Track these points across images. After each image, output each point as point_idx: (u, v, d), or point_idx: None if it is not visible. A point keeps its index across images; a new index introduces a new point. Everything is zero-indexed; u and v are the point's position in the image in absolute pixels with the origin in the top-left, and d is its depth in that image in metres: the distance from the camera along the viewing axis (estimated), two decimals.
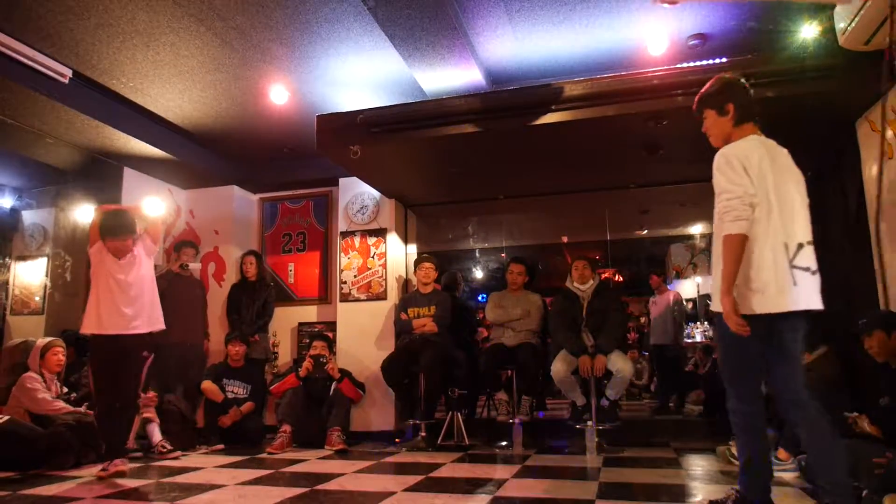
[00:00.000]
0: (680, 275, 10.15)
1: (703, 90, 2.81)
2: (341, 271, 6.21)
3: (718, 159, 2.60)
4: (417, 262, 5.80)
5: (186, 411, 5.47)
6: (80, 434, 4.30)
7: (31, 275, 6.88)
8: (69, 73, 4.58)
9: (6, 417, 4.16)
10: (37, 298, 6.88)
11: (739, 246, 2.45)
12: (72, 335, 5.27)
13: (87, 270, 4.17)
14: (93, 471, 4.08)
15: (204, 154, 6.24)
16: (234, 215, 6.60)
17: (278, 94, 5.07)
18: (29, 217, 7.11)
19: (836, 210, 4.64)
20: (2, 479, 3.81)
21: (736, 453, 3.87)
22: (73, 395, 4.71)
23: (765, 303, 2.43)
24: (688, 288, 10.75)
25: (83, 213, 6.93)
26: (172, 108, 5.41)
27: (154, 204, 6.01)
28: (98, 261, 4.02)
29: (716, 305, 2.55)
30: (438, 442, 5.16)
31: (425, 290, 5.65)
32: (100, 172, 6.05)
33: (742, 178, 2.49)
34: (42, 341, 4.67)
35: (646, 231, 8.86)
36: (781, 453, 3.80)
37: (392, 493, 3.27)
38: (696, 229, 8.86)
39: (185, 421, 5.38)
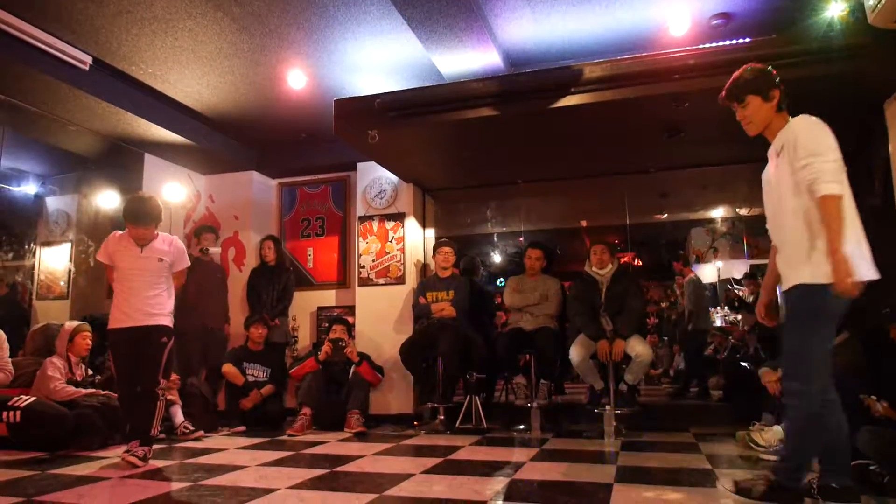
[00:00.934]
0: (700, 259, 10.06)
1: (740, 77, 2.74)
2: (360, 256, 6.23)
3: (807, 123, 2.56)
4: (436, 247, 5.81)
5: (208, 394, 5.56)
6: (106, 416, 4.39)
7: (55, 260, 7.01)
8: (89, 60, 4.62)
9: (33, 398, 4.25)
10: (61, 283, 7.02)
11: (841, 207, 2.39)
12: (95, 319, 5.36)
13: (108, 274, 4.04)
14: (118, 451, 4.17)
15: (223, 140, 6.28)
16: (253, 200, 6.64)
17: (296, 79, 5.07)
18: (52, 203, 7.23)
19: (862, 192, 4.54)
20: (31, 459, 3.91)
21: (756, 439, 3.86)
22: (98, 377, 4.79)
23: (868, 270, 2.41)
24: (708, 272, 10.65)
25: (105, 199, 7.03)
26: (192, 94, 5.44)
27: (174, 190, 6.09)
28: (115, 250, 3.93)
29: (799, 277, 2.48)
30: (456, 425, 5.19)
31: (444, 274, 5.65)
32: (121, 159, 6.12)
33: (835, 143, 2.48)
34: (71, 325, 4.75)
35: (666, 215, 8.77)
36: None
37: (411, 475, 3.30)
38: (717, 213, 8.74)
39: (207, 403, 5.47)
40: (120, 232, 4.00)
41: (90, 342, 4.72)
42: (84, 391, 4.51)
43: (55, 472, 3.50)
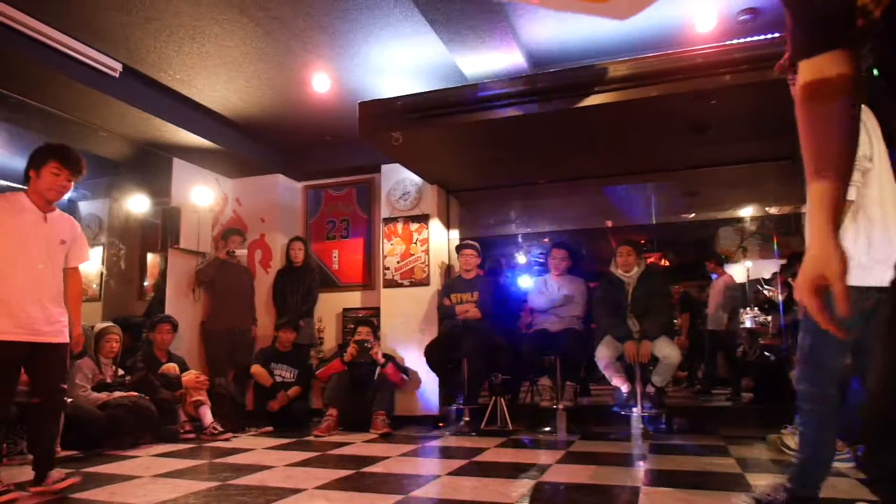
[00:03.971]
0: (728, 259, 9.90)
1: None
2: (384, 257, 6.25)
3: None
4: (459, 248, 5.81)
5: (236, 394, 5.63)
6: (136, 416, 4.48)
7: (88, 263, 7.14)
8: (119, 67, 4.71)
9: (69, 401, 4.33)
10: (94, 286, 7.15)
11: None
12: (127, 321, 5.47)
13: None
14: (149, 451, 4.25)
15: (249, 143, 6.36)
16: (279, 203, 6.71)
17: (320, 83, 5.11)
18: (85, 207, 7.38)
19: None
20: (66, 458, 4.00)
21: (788, 443, 3.79)
22: (128, 378, 4.87)
23: (869, 275, 2.20)
24: (737, 272, 10.47)
25: (135, 203, 7.15)
26: (218, 99, 5.52)
27: (202, 193, 6.18)
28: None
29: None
30: (482, 427, 5.18)
31: (468, 275, 5.65)
32: (150, 163, 6.23)
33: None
34: (98, 328, 4.84)
35: (693, 214, 8.64)
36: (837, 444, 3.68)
37: (436, 477, 3.30)
38: (747, 212, 8.58)
39: (235, 404, 5.54)
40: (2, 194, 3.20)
41: (116, 345, 4.78)
42: (111, 395, 4.56)
43: (88, 470, 3.58)
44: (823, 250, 0.99)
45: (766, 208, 8.28)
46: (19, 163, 6.12)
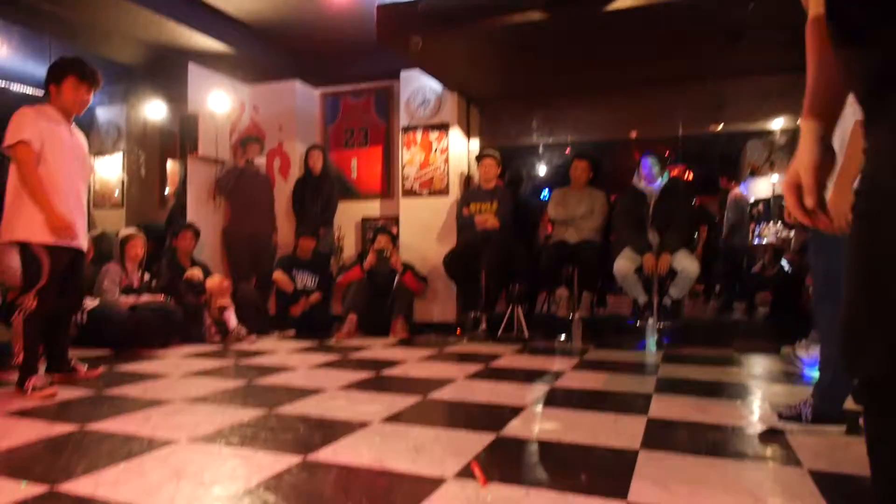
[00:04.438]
0: (756, 172, 9.68)
1: None
2: (403, 167, 6.20)
3: None
4: (480, 158, 5.73)
5: (259, 300, 5.77)
6: (164, 319, 4.63)
7: (109, 170, 7.20)
8: None
9: (98, 302, 4.48)
10: (116, 193, 7.23)
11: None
12: (149, 227, 5.54)
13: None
14: (178, 351, 4.42)
15: (264, 47, 6.19)
16: (296, 110, 6.61)
17: None
18: (103, 114, 7.34)
19: None
20: (98, 356, 4.18)
21: (802, 355, 3.83)
22: (154, 282, 5.00)
23: None
24: (762, 187, 10.27)
25: (152, 109, 7.09)
26: (233, 1, 5.33)
27: (219, 99, 6.08)
28: (43, 128, 3.12)
29: None
30: (498, 334, 5.29)
31: (488, 185, 5.61)
32: (166, 68, 6.13)
33: None
34: (123, 233, 4.91)
35: (721, 126, 8.38)
36: None
37: (453, 381, 3.41)
38: (778, 124, 8.30)
39: (258, 309, 5.69)
40: (35, 105, 3.19)
41: (141, 250, 4.86)
42: (139, 299, 4.70)
43: (120, 368, 3.74)
44: (802, 147, 1.00)
45: (798, 121, 8.00)
46: (32, 67, 6.08)
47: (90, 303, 4.47)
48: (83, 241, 3.31)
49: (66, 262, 3.18)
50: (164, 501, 1.65)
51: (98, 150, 6.93)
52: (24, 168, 3.04)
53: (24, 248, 3.09)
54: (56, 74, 3.19)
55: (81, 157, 3.33)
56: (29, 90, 6.29)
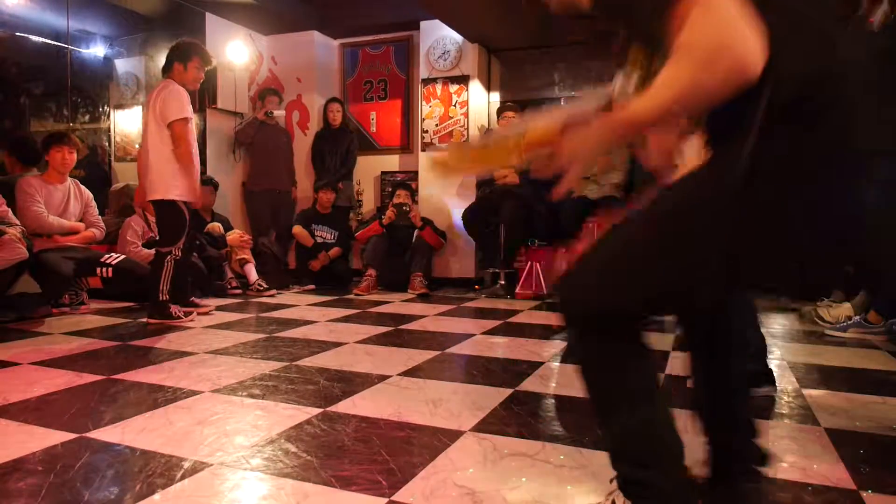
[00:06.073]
0: None
1: None
2: (423, 120, 6.13)
3: None
4: (500, 111, 5.64)
5: (279, 254, 5.82)
6: (185, 272, 4.68)
7: (129, 123, 7.20)
8: None
9: (122, 257, 4.54)
10: (136, 146, 7.24)
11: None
12: None
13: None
14: (199, 304, 4.48)
15: None
16: (315, 62, 6.52)
17: None
18: (121, 66, 7.30)
19: None
20: (122, 308, 4.27)
21: (823, 315, 3.79)
22: None
23: None
24: None
25: None
26: None
27: (237, 50, 6.02)
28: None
29: None
30: (517, 290, 5.30)
31: None
32: (183, 19, 6.04)
33: None
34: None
35: None
36: (872, 316, 3.67)
37: (471, 336, 3.43)
38: None
39: (278, 262, 5.74)
40: (170, 82, 3.80)
41: None
42: (150, 255, 4.74)
43: (144, 320, 3.82)
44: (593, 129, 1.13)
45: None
46: (51, 18, 6.05)
47: (115, 257, 4.53)
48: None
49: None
50: (189, 449, 1.70)
51: (118, 102, 6.92)
52: (183, 143, 3.71)
53: (172, 206, 3.75)
54: (183, 55, 3.78)
55: None
56: (48, 40, 6.27)
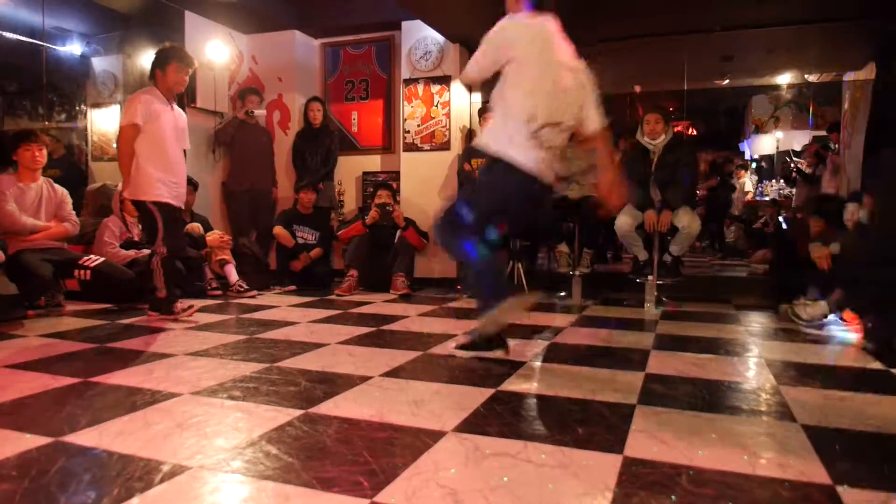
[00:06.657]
0: (760, 129, 9.57)
1: None
2: (404, 120, 6.12)
3: None
4: (482, 112, 5.64)
5: (259, 254, 5.78)
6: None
7: (106, 122, 7.10)
8: None
9: (101, 259, 4.48)
10: (114, 145, 7.14)
11: None
12: None
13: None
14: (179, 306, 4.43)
15: None
16: (296, 62, 6.48)
17: None
18: (98, 64, 7.19)
19: None
20: (101, 310, 4.21)
21: (800, 313, 3.85)
22: None
23: None
24: (766, 144, 10.18)
25: (149, 59, 6.94)
26: None
27: (217, 49, 5.96)
28: (151, 108, 3.78)
29: None
30: None
31: None
32: (162, 17, 5.96)
33: None
34: (121, 187, 4.87)
35: (727, 80, 8.23)
36: (847, 314, 3.74)
37: (453, 335, 3.43)
38: (784, 79, 8.16)
39: (259, 263, 5.70)
40: (147, 90, 3.85)
41: None
42: (139, 253, 4.69)
43: (123, 322, 3.77)
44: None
45: (805, 75, 7.86)
46: (26, 15, 5.94)
47: (94, 259, 4.46)
48: (180, 200, 3.93)
49: (174, 216, 3.87)
50: (168, 453, 1.68)
51: (94, 101, 6.82)
52: (122, 146, 3.77)
53: (142, 206, 3.83)
54: (160, 61, 3.84)
55: (180, 129, 3.96)
56: (23, 37, 6.16)
